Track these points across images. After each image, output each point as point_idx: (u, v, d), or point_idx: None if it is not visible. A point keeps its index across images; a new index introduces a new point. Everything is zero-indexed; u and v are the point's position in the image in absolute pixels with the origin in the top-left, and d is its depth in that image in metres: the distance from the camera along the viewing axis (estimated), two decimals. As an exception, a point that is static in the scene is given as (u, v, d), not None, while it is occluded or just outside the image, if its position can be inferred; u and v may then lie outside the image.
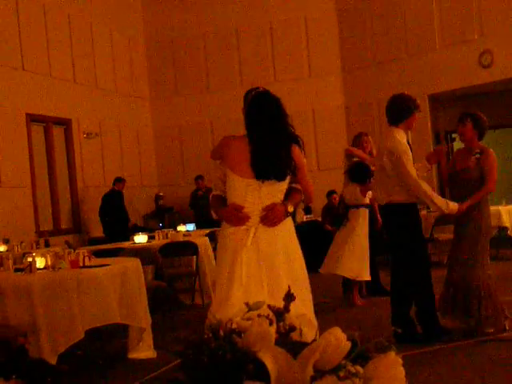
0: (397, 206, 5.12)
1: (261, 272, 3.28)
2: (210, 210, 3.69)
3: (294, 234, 3.51)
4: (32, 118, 10.69)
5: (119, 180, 11.21)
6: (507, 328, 5.17)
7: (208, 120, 13.69)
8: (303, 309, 3.21)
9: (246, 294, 3.12)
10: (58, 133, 11.43)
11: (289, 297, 1.06)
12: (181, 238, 8.15)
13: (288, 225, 3.47)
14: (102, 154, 12.36)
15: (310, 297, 3.42)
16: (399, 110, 5.12)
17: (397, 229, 5.18)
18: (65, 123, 11.52)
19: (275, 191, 3.40)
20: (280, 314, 1.03)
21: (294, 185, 3.52)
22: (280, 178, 3.37)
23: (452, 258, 5.38)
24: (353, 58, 13.10)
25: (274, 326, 1.00)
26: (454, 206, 5.01)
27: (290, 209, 3.43)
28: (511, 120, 13.36)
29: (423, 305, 5.17)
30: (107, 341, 5.52)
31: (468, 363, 4.46)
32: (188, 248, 7.54)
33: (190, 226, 10.73)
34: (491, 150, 5.26)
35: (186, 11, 13.87)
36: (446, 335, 5.07)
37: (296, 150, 3.45)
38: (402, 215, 5.14)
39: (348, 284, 7.19)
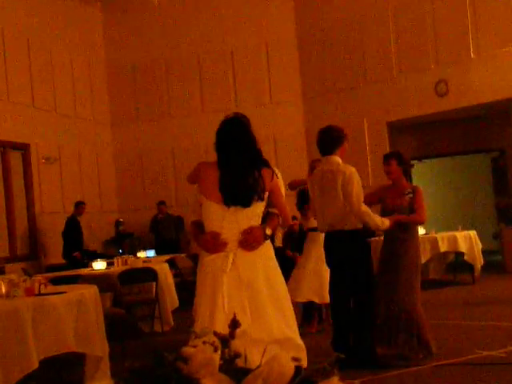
0: (349, 233, 5.17)
1: (242, 297, 3.26)
2: (192, 237, 3.68)
3: (274, 258, 3.50)
4: (-11, 143, 10.53)
5: (78, 204, 11.10)
6: (434, 352, 5.25)
7: (169, 145, 13.66)
8: (289, 332, 3.21)
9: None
10: (15, 157, 11.26)
11: (234, 324, 1.06)
12: (140, 265, 8.07)
13: (267, 248, 3.46)
14: (61, 179, 12.20)
15: (294, 319, 3.40)
16: (333, 140, 5.34)
17: (347, 256, 5.19)
18: (23, 148, 11.36)
19: (252, 215, 3.39)
20: (225, 340, 1.03)
21: (271, 209, 3.53)
22: (246, 203, 3.36)
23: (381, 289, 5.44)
24: (313, 85, 13.28)
25: (219, 352, 1.00)
26: (387, 221, 5.15)
27: (269, 232, 3.42)
28: (467, 147, 13.69)
29: (364, 332, 5.19)
30: (63, 370, 5.40)
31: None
32: (147, 274, 7.45)
33: (151, 253, 10.65)
34: (419, 187, 5.60)
35: (148, 36, 13.91)
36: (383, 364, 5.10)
37: (267, 173, 3.45)
38: (353, 242, 5.20)
39: (310, 311, 7.16)
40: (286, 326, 3.26)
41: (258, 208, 3.41)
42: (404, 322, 5.25)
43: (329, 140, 5.37)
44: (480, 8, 11.25)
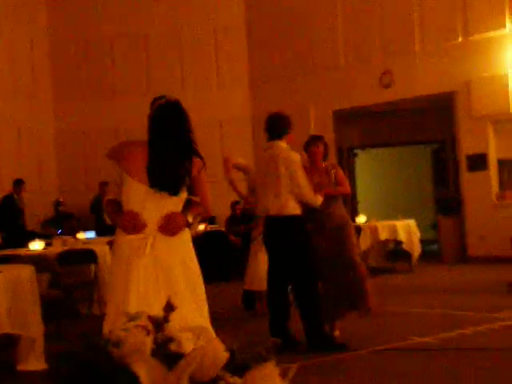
0: (289, 218, 5.25)
1: (158, 281, 3.20)
2: (104, 214, 3.59)
3: (191, 245, 3.45)
4: None
5: (18, 182, 10.80)
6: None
7: (113, 125, 13.41)
8: (201, 320, 3.18)
9: (143, 303, 3.04)
10: (-49, 132, 10.86)
11: (168, 307, 1.04)
12: (80, 246, 7.94)
13: (186, 235, 3.41)
14: (-1, 157, 11.84)
15: (206, 308, 3.37)
16: (284, 125, 5.43)
17: (288, 240, 5.27)
18: (-41, 122, 10.96)
19: (177, 201, 3.35)
20: (159, 324, 1.01)
21: (192, 197, 3.47)
22: (173, 192, 3.31)
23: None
24: (260, 71, 13.27)
25: (152, 336, 0.98)
26: (319, 197, 5.34)
27: (190, 219, 3.38)
28: (409, 138, 13.95)
29: (312, 317, 5.27)
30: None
31: (358, 374, 4.58)
32: (87, 256, 7.33)
33: (91, 234, 10.48)
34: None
35: (94, 12, 13.58)
36: (338, 347, 5.20)
37: (197, 163, 3.41)
38: (293, 227, 5.27)
39: (251, 297, 7.17)
40: (200, 315, 3.23)
41: (183, 196, 3.38)
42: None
43: (278, 125, 5.44)
44: (426, 1, 11.44)
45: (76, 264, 7.51)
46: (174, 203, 3.34)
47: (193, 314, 3.18)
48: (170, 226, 3.28)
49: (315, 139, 5.80)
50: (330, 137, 12.54)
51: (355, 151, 14.13)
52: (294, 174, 5.19)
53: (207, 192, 3.54)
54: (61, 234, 11.07)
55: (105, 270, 7.44)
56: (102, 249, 7.67)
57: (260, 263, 6.69)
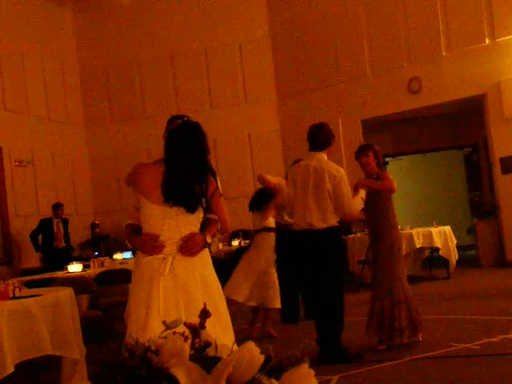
0: (330, 230, 5.25)
1: (178, 301, 3.21)
2: (126, 239, 3.62)
3: (211, 264, 3.46)
4: (-40, 146, 10.37)
5: (57, 206, 11.06)
6: (420, 339, 5.48)
7: (144, 146, 13.59)
8: (224, 339, 3.16)
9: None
10: (-12, 161, 11.13)
11: (204, 313, 1.07)
12: (117, 266, 8.03)
13: (205, 255, 3.42)
14: (35, 183, 12.08)
15: (230, 325, 3.35)
16: (325, 137, 5.39)
17: (331, 252, 5.28)
18: (-5, 151, 11.23)
19: (193, 221, 3.35)
20: (195, 330, 1.04)
21: (209, 215, 3.48)
22: (190, 209, 3.31)
23: (373, 277, 5.73)
24: (287, 84, 13.31)
25: (189, 342, 1.00)
26: (361, 193, 5.34)
27: (209, 239, 3.38)
28: (442, 143, 13.85)
29: (334, 328, 5.26)
30: (40, 373, 5.35)
31: (401, 382, 4.53)
32: (124, 275, 7.41)
33: (127, 254, 10.58)
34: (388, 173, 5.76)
35: (121, 37, 13.84)
36: (352, 359, 5.18)
37: (214, 182, 3.42)
38: (334, 239, 5.31)
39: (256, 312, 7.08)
40: (224, 334, 3.20)
41: (200, 215, 3.38)
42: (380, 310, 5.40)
43: (321, 136, 5.39)
44: (450, 6, 11.38)
45: (114, 284, 7.61)
46: (192, 222, 3.34)
47: (216, 334, 3.18)
48: (189, 247, 3.28)
49: (362, 148, 5.73)
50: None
51: (386, 159, 14.05)
52: (338, 186, 5.19)
53: (224, 209, 3.54)
54: (98, 255, 11.23)
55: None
56: (138, 268, 7.74)
57: (252, 276, 6.60)
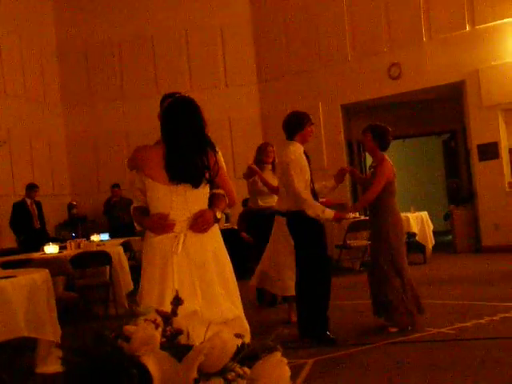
0: (292, 214, 5.38)
1: (193, 279, 3.22)
2: (134, 221, 3.60)
3: (222, 240, 3.48)
4: None
5: (31, 187, 10.90)
6: (409, 328, 5.47)
7: (123, 128, 13.49)
8: (236, 311, 3.23)
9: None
10: (-37, 140, 10.95)
11: (176, 301, 1.06)
12: (94, 248, 7.97)
13: (216, 231, 3.44)
14: (11, 162, 11.92)
15: (240, 301, 3.40)
16: (293, 125, 5.49)
17: (296, 235, 5.43)
18: (-29, 130, 11.06)
19: (200, 196, 3.36)
20: (167, 318, 1.03)
21: (216, 190, 3.49)
22: (195, 183, 3.32)
23: (371, 263, 5.75)
24: (268, 68, 13.26)
25: (160, 330, 0.99)
26: (329, 213, 5.28)
27: (219, 215, 3.40)
28: (421, 129, 13.92)
29: (318, 310, 5.35)
30: (14, 355, 5.32)
31: (376, 366, 4.58)
32: (101, 258, 7.37)
33: (104, 236, 10.54)
34: (388, 161, 5.66)
35: (100, 17, 13.65)
36: (331, 343, 5.26)
37: (214, 156, 3.42)
38: (300, 222, 5.37)
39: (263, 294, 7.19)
40: (235, 306, 3.28)
41: (206, 190, 3.40)
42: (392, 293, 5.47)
43: (286, 126, 5.54)
44: (432, -8, 11.38)
45: (90, 266, 7.57)
46: (199, 197, 3.36)
47: (228, 306, 3.22)
48: (200, 224, 3.30)
49: (365, 128, 5.72)
50: (339, 131, 12.55)
51: (365, 145, 14.09)
52: (284, 177, 5.38)
53: (229, 182, 3.57)
54: (75, 236, 11.15)
55: (119, 272, 7.50)
56: (115, 250, 7.71)
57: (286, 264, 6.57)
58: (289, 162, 5.30)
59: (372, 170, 5.63)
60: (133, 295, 7.59)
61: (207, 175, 3.35)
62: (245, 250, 9.54)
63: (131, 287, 7.74)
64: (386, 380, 4.19)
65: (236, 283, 3.44)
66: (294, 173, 5.27)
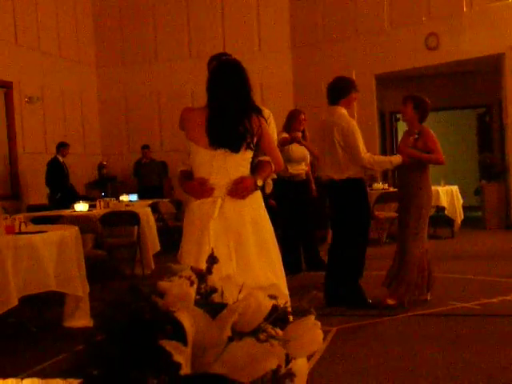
0: (349, 182, 5.36)
1: (228, 244, 3.22)
2: (179, 185, 3.60)
3: (263, 206, 3.44)
4: (-30, 79, 10.31)
5: (61, 145, 10.98)
6: (406, 306, 5.38)
7: (155, 90, 13.49)
8: (274, 279, 3.22)
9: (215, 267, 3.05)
10: (-3, 95, 11.06)
11: (211, 259, 1.06)
12: (123, 208, 8.07)
13: (256, 197, 3.40)
14: (44, 120, 12.04)
15: (281, 267, 3.37)
16: (338, 90, 5.49)
17: (347, 204, 5.42)
18: (5, 86, 11.14)
19: (241, 161, 3.32)
20: (202, 275, 1.03)
21: (262, 157, 3.44)
22: (234, 148, 3.28)
23: (398, 233, 5.69)
24: (303, 35, 13.08)
25: (195, 287, 1.00)
26: (396, 159, 5.36)
27: (259, 183, 3.36)
28: (455, 102, 13.67)
29: (354, 278, 5.46)
30: (43, 309, 5.45)
31: (397, 337, 4.59)
32: (129, 218, 7.46)
33: (133, 197, 10.64)
34: (430, 129, 5.55)
35: (136, -23, 13.56)
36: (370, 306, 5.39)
37: (258, 120, 3.36)
38: (353, 190, 5.40)
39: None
40: (273, 273, 3.25)
41: (247, 155, 3.34)
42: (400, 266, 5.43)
43: (331, 90, 5.52)
44: (475, -40, 11.05)
45: (119, 225, 7.66)
46: (239, 163, 3.31)
47: (265, 272, 3.22)
48: (239, 191, 3.28)
49: (404, 98, 5.61)
50: (372, 101, 12.38)
51: (398, 116, 13.91)
52: (347, 139, 5.31)
53: (275, 148, 3.52)
54: (104, 196, 11.28)
55: (146, 232, 7.58)
56: (144, 211, 7.79)
57: None
58: (353, 129, 5.29)
59: (417, 137, 5.50)
60: (159, 256, 7.69)
61: (248, 140, 3.31)
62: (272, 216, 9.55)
63: (158, 248, 7.83)
64: (405, 351, 4.20)
65: (279, 253, 3.40)
66: (358, 136, 5.27)
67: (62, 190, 10.79)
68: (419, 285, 5.40)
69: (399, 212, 5.69)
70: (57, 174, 10.83)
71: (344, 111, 5.44)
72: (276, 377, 0.89)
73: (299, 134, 7.17)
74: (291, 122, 7.33)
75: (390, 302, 5.39)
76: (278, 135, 7.30)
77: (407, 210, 5.45)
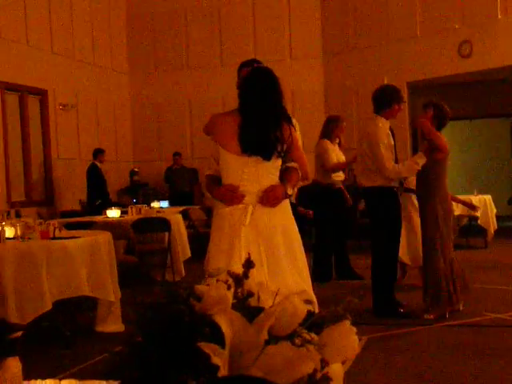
0: (379, 190, 5.38)
1: (260, 251, 3.22)
2: (206, 190, 3.61)
3: (291, 215, 3.46)
4: (7, 87, 10.51)
5: (98, 151, 11.10)
6: (447, 316, 5.29)
7: (186, 97, 13.60)
8: (303, 284, 3.23)
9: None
10: (33, 103, 11.25)
11: (248, 264, 1.07)
12: (154, 214, 8.13)
13: (286, 206, 3.41)
14: (78, 127, 12.23)
15: (308, 275, 3.39)
16: (381, 100, 5.43)
17: (377, 211, 5.46)
18: (40, 93, 11.36)
19: (272, 169, 3.33)
20: (239, 280, 1.04)
21: (290, 164, 3.44)
22: (266, 156, 3.28)
23: (422, 246, 5.65)
24: (334, 42, 13.07)
25: (232, 291, 1.01)
26: (420, 157, 5.27)
27: (290, 191, 3.36)
28: (489, 111, 13.51)
29: (387, 282, 5.43)
30: (75, 313, 5.51)
31: (429, 347, 4.54)
32: (161, 224, 7.52)
33: (164, 203, 10.71)
34: (443, 137, 5.47)
35: (169, -14, 13.71)
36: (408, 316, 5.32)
37: (288, 129, 3.37)
38: (380, 198, 5.41)
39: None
40: (302, 280, 3.26)
41: (277, 163, 3.35)
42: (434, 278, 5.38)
43: (375, 99, 5.51)
44: (510, -33, 10.92)
45: (150, 232, 7.73)
46: (270, 171, 3.31)
47: (294, 279, 3.23)
48: (270, 199, 3.28)
49: (424, 105, 5.58)
50: (403, 109, 12.28)
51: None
52: (371, 149, 5.34)
53: (303, 156, 3.51)
54: (135, 202, 11.38)
55: (177, 239, 7.62)
56: (175, 217, 7.84)
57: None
58: (378, 139, 5.30)
59: (426, 141, 5.47)
60: (190, 263, 7.73)
61: (279, 148, 3.31)
62: (303, 225, 9.55)
63: (188, 255, 7.87)
64: (437, 362, 4.15)
65: (306, 261, 3.41)
66: (383, 150, 5.26)
67: (101, 197, 10.87)
68: (452, 294, 5.33)
69: (420, 224, 5.64)
70: (97, 180, 10.93)
71: (380, 122, 5.38)
72: (312, 381, 0.89)
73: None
74: (332, 129, 7.30)
75: (427, 317, 5.29)
76: (318, 142, 7.31)
77: (424, 221, 5.45)
